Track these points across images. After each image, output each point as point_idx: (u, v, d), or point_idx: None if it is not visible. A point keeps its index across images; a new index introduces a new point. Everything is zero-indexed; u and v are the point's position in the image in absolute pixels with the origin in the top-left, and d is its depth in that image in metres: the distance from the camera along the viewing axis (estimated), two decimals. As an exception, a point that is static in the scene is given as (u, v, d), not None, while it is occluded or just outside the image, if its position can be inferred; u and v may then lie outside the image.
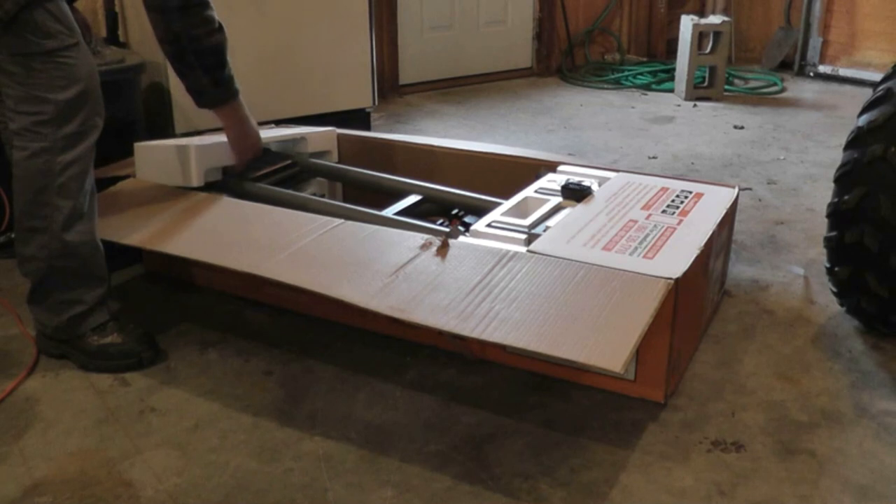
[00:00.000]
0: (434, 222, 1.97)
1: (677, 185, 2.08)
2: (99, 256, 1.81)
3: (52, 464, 1.51)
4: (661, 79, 4.67)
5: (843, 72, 4.70)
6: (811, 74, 4.82)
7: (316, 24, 3.06)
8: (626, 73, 4.76)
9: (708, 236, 1.77)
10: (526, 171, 2.21)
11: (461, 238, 1.79)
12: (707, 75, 4.38)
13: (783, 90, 4.52)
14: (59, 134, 1.67)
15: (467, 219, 2.03)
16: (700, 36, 4.25)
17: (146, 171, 2.15)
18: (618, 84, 4.66)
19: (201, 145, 2.10)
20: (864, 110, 1.84)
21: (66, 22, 1.67)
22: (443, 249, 1.70)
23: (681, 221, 1.85)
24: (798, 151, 3.44)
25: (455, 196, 2.12)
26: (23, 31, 1.60)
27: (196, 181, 2.07)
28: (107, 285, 1.85)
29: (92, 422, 1.63)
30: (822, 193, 2.85)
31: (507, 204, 1.97)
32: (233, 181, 2.17)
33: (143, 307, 2.11)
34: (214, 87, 1.99)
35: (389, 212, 2.00)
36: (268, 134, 2.33)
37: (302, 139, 2.42)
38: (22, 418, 1.65)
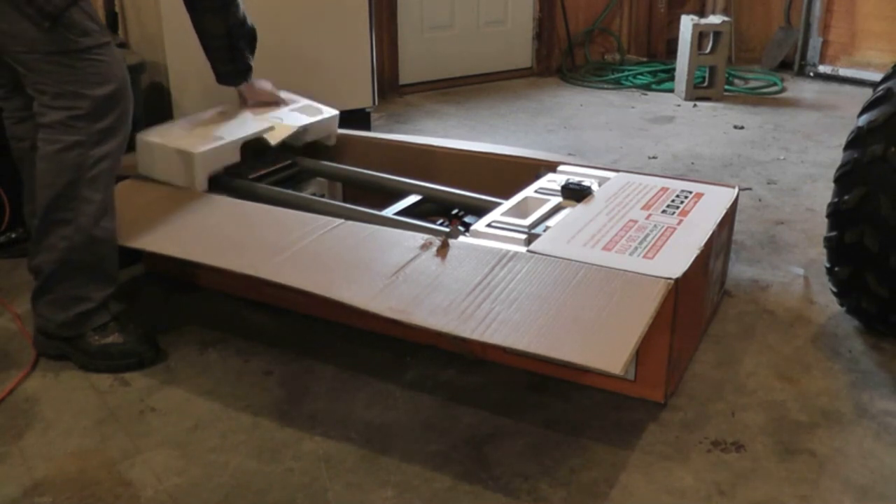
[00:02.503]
0: (434, 222, 1.97)
1: (677, 185, 2.08)
2: (114, 256, 1.82)
3: (52, 464, 1.51)
4: (661, 79, 4.66)
5: (843, 72, 4.70)
6: (811, 74, 4.82)
7: (316, 24, 3.06)
8: (626, 73, 4.76)
9: (708, 236, 1.77)
10: (526, 171, 2.21)
11: (461, 238, 1.79)
12: (707, 75, 4.38)
13: (783, 90, 4.52)
14: (94, 128, 1.70)
15: (467, 219, 2.03)
16: (700, 36, 4.25)
17: (147, 166, 2.14)
18: (618, 84, 4.66)
19: (205, 151, 2.09)
20: (864, 110, 1.84)
21: (98, 21, 1.72)
22: (443, 249, 1.70)
23: (681, 221, 1.85)
24: (798, 151, 3.44)
25: (455, 196, 2.12)
26: (63, 29, 1.64)
27: (199, 187, 2.07)
28: (115, 286, 1.86)
29: (92, 422, 1.64)
30: (822, 193, 2.84)
31: (507, 204, 1.97)
32: (235, 182, 2.17)
33: (143, 307, 2.11)
34: (250, 63, 2.28)
35: (389, 212, 2.00)
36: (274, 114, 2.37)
37: (304, 131, 2.41)
38: (22, 418, 1.65)
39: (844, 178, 1.83)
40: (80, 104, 1.68)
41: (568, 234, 1.77)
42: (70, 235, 1.73)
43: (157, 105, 2.80)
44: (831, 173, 1.89)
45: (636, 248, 1.70)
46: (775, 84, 4.58)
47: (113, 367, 1.80)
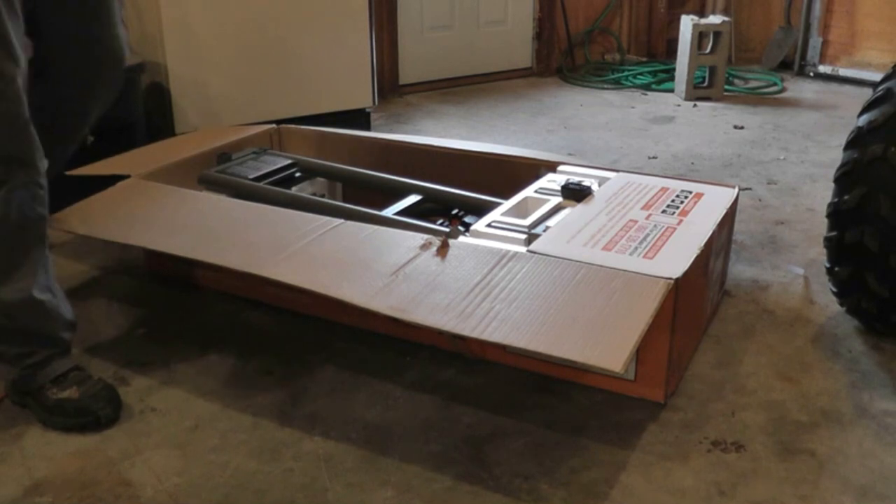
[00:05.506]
0: (434, 222, 1.97)
1: (677, 185, 2.08)
2: (42, 317, 1.61)
3: (52, 464, 1.51)
4: (661, 79, 4.66)
5: (843, 72, 4.70)
6: (811, 74, 4.83)
7: (316, 24, 3.06)
8: (626, 73, 4.76)
9: (708, 236, 1.77)
10: (526, 171, 2.21)
11: (461, 238, 1.79)
12: (707, 75, 4.38)
13: (783, 90, 4.52)
14: None
15: (467, 219, 2.03)
16: (700, 36, 4.25)
17: None
18: (618, 84, 4.66)
19: None
20: (864, 110, 1.84)
21: None
22: (443, 249, 1.70)
23: (681, 221, 1.85)
24: (798, 151, 3.44)
25: (455, 196, 2.12)
26: None
27: None
28: (62, 346, 1.66)
29: (92, 422, 1.63)
30: (822, 193, 2.85)
31: (507, 204, 1.97)
32: (236, 181, 2.17)
33: (143, 307, 2.11)
34: None
35: (389, 212, 2.00)
36: None
37: None
38: (22, 418, 1.64)
39: (844, 178, 1.83)
40: None
41: (568, 234, 1.77)
42: None
43: (156, 105, 2.80)
44: (831, 173, 1.89)
45: (636, 248, 1.70)
46: (775, 84, 4.59)
47: (69, 424, 1.60)
